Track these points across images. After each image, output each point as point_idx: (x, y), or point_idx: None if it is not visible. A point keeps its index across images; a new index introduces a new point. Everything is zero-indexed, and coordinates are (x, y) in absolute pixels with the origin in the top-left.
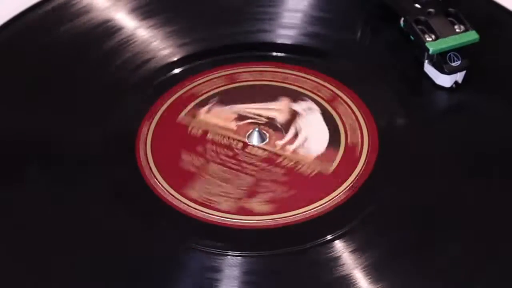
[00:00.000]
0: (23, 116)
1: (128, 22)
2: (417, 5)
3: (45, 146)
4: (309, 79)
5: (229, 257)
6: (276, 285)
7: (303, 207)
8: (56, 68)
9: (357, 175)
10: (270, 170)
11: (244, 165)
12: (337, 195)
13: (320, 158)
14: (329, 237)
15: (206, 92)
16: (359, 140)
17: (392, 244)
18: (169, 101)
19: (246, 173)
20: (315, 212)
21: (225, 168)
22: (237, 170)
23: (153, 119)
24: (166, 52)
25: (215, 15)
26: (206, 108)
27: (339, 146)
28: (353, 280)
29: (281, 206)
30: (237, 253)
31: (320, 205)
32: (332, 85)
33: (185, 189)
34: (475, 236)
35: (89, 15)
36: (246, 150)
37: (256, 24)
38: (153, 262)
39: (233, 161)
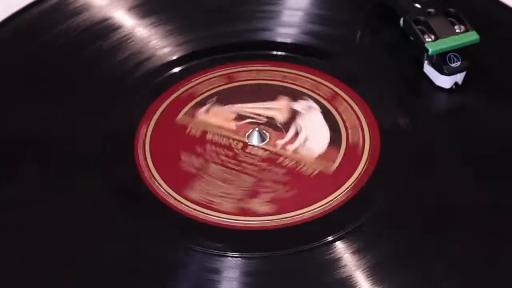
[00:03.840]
0: (22, 115)
1: (126, 20)
2: (417, 5)
3: (44, 145)
4: (309, 78)
5: (229, 258)
6: (277, 287)
7: (304, 207)
8: (54, 67)
9: (358, 175)
10: (271, 170)
11: (244, 165)
12: (338, 196)
13: (321, 157)
14: (330, 238)
15: (205, 92)
16: (360, 139)
17: (393, 244)
18: (167, 101)
19: (247, 173)
20: (316, 213)
21: (224, 168)
22: (237, 170)
23: (151, 118)
24: (164, 51)
25: (214, 14)
26: (204, 108)
27: (340, 145)
28: (354, 281)
29: (282, 206)
30: (237, 254)
31: (322, 205)
32: (332, 84)
33: (185, 189)
34: (475, 236)
35: (87, 14)
36: (246, 150)
37: (256, 22)
38: (153, 263)
39: (233, 161)
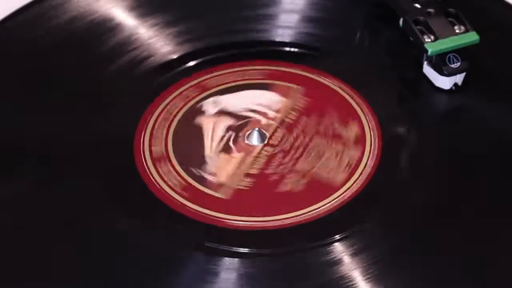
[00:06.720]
0: (22, 116)
1: (126, 19)
2: (416, 5)
3: (44, 146)
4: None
5: (228, 258)
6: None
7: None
8: (54, 67)
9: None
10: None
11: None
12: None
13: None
14: (329, 239)
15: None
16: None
17: (393, 245)
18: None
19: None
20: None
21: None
22: None
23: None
24: (165, 50)
25: (213, 13)
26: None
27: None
28: (353, 283)
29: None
30: (236, 254)
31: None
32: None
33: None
34: (475, 237)
35: (87, 13)
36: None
37: (256, 22)
38: (152, 262)
39: None
